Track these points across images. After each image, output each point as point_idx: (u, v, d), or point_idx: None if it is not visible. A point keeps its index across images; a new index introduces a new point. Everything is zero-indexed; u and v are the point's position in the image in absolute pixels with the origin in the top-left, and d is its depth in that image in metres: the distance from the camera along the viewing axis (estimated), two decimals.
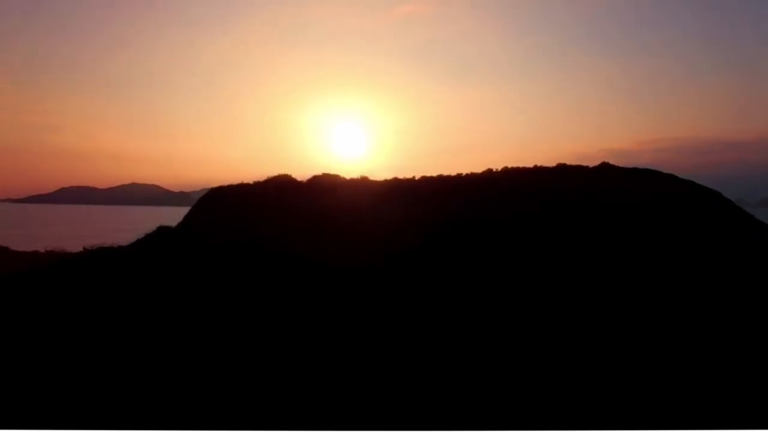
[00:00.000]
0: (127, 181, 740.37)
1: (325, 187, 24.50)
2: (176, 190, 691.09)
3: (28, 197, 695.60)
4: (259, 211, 21.49)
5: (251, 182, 25.64)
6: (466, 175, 32.14)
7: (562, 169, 38.36)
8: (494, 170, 34.12)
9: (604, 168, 42.13)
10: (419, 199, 24.81)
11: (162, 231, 20.61)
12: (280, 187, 24.33)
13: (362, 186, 25.26)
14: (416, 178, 28.05)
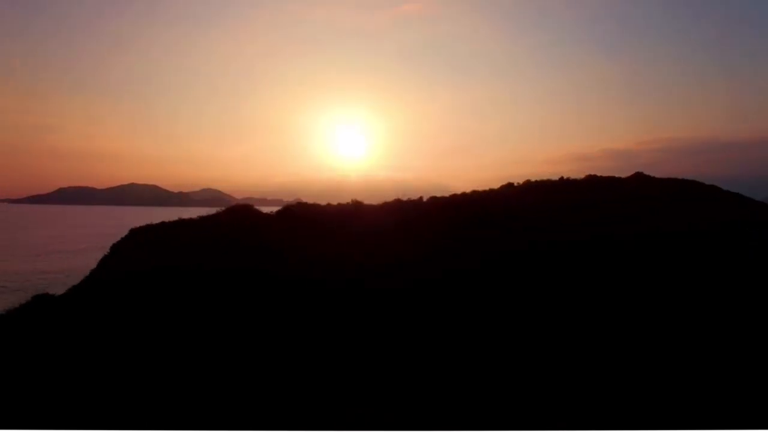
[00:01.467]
0: (126, 181, 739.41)
1: (297, 220, 18.45)
2: (175, 191, 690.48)
3: (27, 197, 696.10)
4: (186, 267, 15.26)
5: (195, 217, 19.74)
6: (483, 191, 26.51)
7: (592, 182, 32.93)
8: (515, 184, 28.57)
9: (639, 178, 36.76)
10: (426, 230, 19.24)
11: (40, 301, 14.65)
12: (232, 226, 18.03)
13: (353, 216, 19.26)
14: (423, 199, 22.30)
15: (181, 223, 19.83)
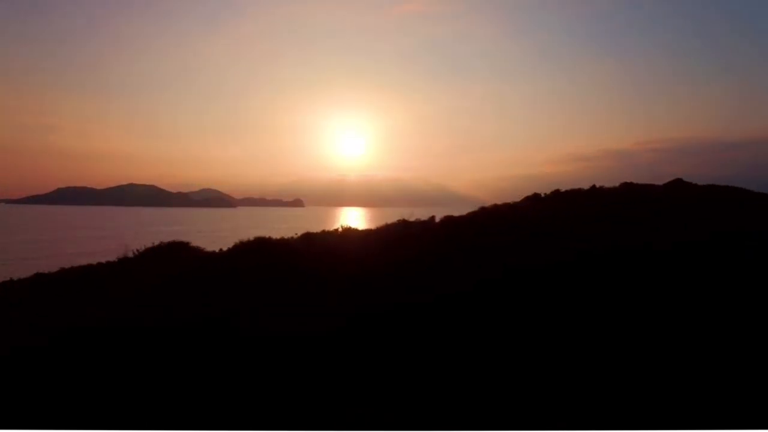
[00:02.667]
0: (124, 181, 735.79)
1: (259, 262, 13.09)
2: (174, 191, 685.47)
3: (26, 198, 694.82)
4: None
5: (103, 261, 14.59)
6: (504, 205, 21.84)
7: (628, 189, 28.40)
8: (542, 195, 23.93)
9: (678, 185, 32.20)
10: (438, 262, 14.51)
11: None
12: (156, 275, 12.59)
13: (340, 253, 13.91)
14: (436, 219, 17.44)
15: (71, 274, 14.22)
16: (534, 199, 23.41)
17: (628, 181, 28.98)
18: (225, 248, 14.37)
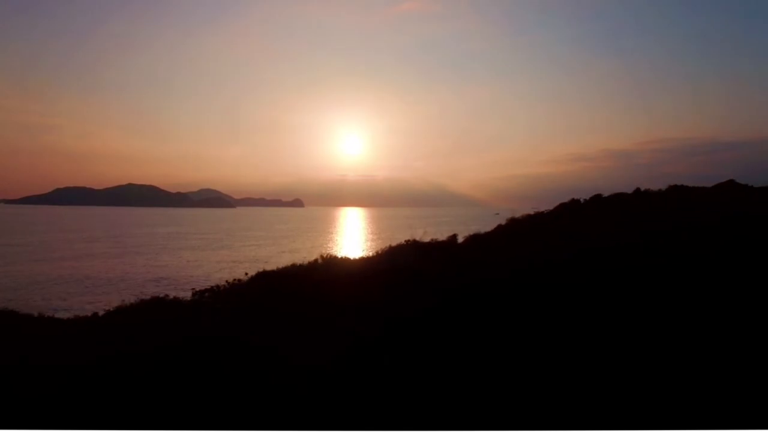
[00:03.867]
0: (123, 181, 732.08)
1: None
2: (173, 191, 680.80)
3: (24, 198, 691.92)
4: None
5: None
6: (536, 214, 17.30)
7: (675, 192, 23.94)
8: (582, 201, 19.41)
9: (730, 187, 27.71)
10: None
11: None
12: None
13: (308, 311, 8.58)
14: (459, 239, 12.75)
15: None
16: (570, 208, 18.84)
17: (676, 183, 24.38)
18: (112, 307, 9.54)
